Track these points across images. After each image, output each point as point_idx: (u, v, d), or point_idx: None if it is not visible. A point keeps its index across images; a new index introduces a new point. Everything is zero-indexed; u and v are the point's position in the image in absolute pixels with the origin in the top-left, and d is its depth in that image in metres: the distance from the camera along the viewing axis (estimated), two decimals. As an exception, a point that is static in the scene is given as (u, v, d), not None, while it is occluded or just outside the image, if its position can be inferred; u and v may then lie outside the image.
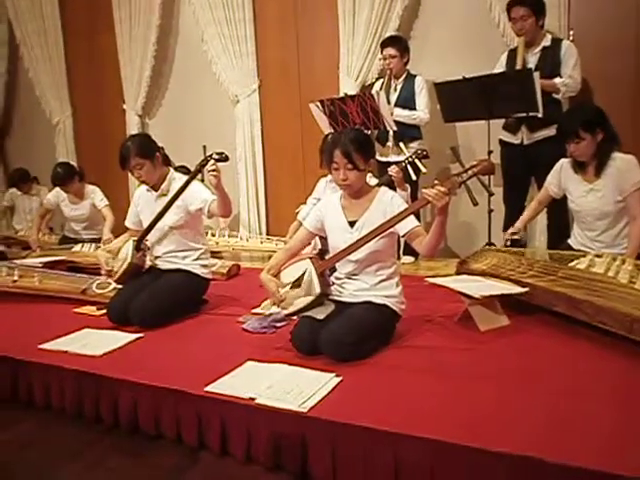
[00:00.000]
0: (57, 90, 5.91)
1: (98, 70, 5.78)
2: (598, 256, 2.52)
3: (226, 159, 2.61)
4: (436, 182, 2.05)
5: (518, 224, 2.97)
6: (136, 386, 2.02)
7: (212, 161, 2.53)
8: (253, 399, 1.79)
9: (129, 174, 2.90)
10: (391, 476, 1.56)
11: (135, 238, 2.85)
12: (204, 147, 2.69)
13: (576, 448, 1.43)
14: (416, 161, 3.29)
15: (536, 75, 3.10)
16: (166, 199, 2.76)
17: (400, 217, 2.15)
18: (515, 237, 2.91)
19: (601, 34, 3.65)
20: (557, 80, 3.31)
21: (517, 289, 2.41)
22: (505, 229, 3.57)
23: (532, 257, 2.73)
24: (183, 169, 3.76)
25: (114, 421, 2.07)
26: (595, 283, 2.23)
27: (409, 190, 3.27)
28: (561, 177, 2.83)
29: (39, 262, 3.67)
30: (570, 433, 1.51)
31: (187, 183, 2.69)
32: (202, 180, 2.65)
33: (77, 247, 4.21)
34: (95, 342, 2.43)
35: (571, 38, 3.58)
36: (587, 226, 2.77)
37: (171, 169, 2.92)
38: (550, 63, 3.35)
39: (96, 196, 4.36)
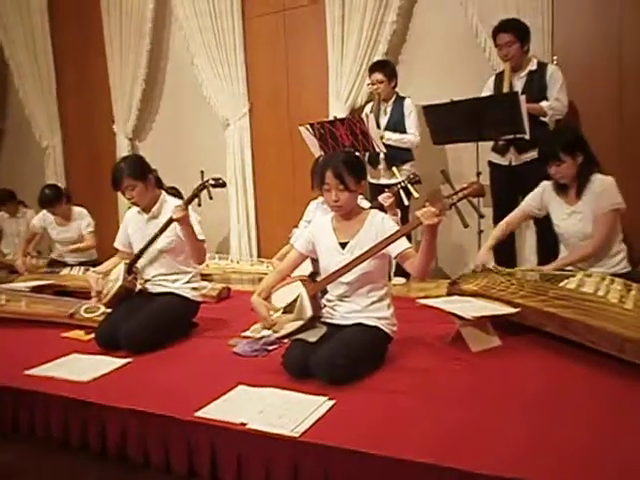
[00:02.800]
0: (47, 113, 5.91)
1: (89, 93, 5.81)
2: (588, 275, 2.53)
3: (223, 185, 2.63)
4: (427, 204, 2.07)
5: (484, 256, 2.88)
6: (124, 412, 1.98)
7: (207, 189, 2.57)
8: (244, 424, 1.76)
9: (119, 197, 2.89)
10: (385, 502, 1.53)
11: (126, 261, 2.83)
12: (202, 172, 2.71)
13: (568, 472, 1.41)
14: (408, 186, 3.31)
15: (522, 98, 3.15)
16: (157, 222, 2.75)
17: (392, 239, 2.16)
18: (487, 267, 2.85)
19: (585, 57, 3.74)
20: (544, 103, 3.36)
21: (508, 309, 2.42)
22: (495, 250, 3.58)
23: (523, 277, 2.74)
24: (173, 190, 3.76)
25: (101, 449, 2.03)
26: (585, 303, 2.23)
27: (399, 215, 3.29)
28: (543, 199, 2.86)
29: (26, 286, 3.63)
30: (560, 456, 1.50)
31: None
32: (199, 205, 2.67)
33: (65, 270, 4.17)
34: (83, 367, 2.39)
35: (555, 62, 3.66)
36: (572, 248, 2.78)
37: (163, 192, 2.91)
38: (537, 87, 3.41)
39: (83, 221, 4.35)
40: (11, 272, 4.57)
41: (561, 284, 2.51)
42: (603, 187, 2.64)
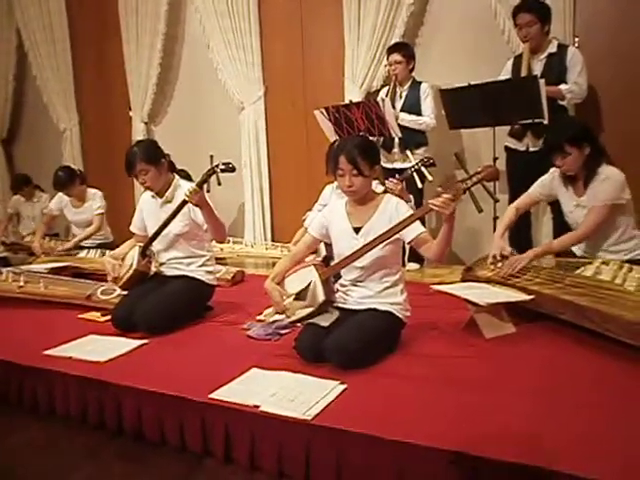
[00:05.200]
0: (64, 97, 5.94)
1: (105, 77, 5.82)
2: (605, 263, 2.50)
3: (233, 170, 2.60)
4: (440, 190, 2.05)
5: (500, 243, 2.79)
6: (140, 393, 2.02)
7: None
8: (257, 406, 1.79)
9: (135, 181, 2.91)
10: (396, 485, 1.55)
11: (141, 244, 2.85)
12: (211, 157, 2.68)
13: (583, 460, 1.41)
14: (422, 169, 3.29)
15: (541, 82, 3.09)
16: (171, 206, 2.77)
17: (404, 224, 2.15)
18: (505, 254, 2.74)
19: (607, 40, 3.65)
20: (562, 87, 3.30)
21: (523, 296, 2.40)
22: (510, 235, 3.55)
23: (538, 264, 2.72)
24: (183, 173, 3.77)
25: (118, 428, 2.07)
26: (602, 291, 2.21)
27: (412, 200, 3.27)
28: (552, 187, 2.79)
29: (45, 268, 3.69)
30: (577, 445, 1.50)
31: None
32: (208, 191, 2.65)
33: (82, 253, 4.22)
34: (100, 348, 2.43)
35: (576, 45, 3.58)
36: None
37: (176, 176, 2.93)
38: (556, 70, 3.34)
39: (95, 202, 4.37)
40: (29, 254, 4.65)
41: (577, 271, 2.48)
42: (606, 180, 2.55)
